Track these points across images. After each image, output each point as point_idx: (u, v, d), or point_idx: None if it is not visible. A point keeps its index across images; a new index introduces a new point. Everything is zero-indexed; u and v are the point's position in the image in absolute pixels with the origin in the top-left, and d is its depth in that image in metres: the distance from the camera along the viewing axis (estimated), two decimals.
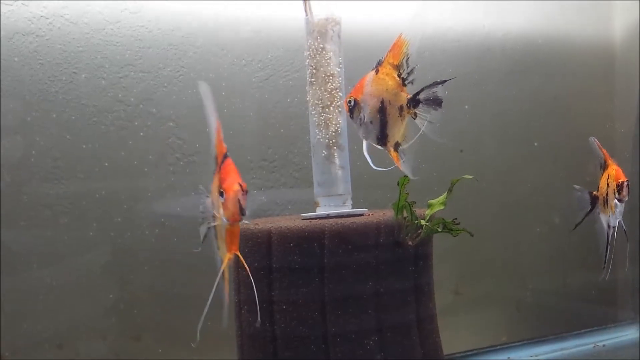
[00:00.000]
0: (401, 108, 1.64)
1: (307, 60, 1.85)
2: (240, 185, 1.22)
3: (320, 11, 1.85)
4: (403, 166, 1.65)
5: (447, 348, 1.87)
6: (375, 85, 1.63)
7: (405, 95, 1.63)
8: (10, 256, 1.92)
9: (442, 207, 1.71)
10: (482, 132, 2.64)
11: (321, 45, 1.82)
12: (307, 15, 1.85)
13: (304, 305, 1.61)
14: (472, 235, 1.69)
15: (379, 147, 1.67)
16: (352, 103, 1.64)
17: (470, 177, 1.73)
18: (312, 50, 1.83)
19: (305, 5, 1.85)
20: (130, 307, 2.06)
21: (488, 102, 2.65)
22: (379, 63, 1.64)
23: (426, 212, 1.71)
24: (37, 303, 1.96)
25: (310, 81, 1.84)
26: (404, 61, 1.64)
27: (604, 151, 1.97)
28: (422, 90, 1.64)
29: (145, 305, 2.08)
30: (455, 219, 1.69)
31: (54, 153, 1.98)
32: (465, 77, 2.59)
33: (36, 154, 1.96)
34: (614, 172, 1.92)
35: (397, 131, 1.66)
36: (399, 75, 1.63)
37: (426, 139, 1.62)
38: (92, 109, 2.02)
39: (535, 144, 2.72)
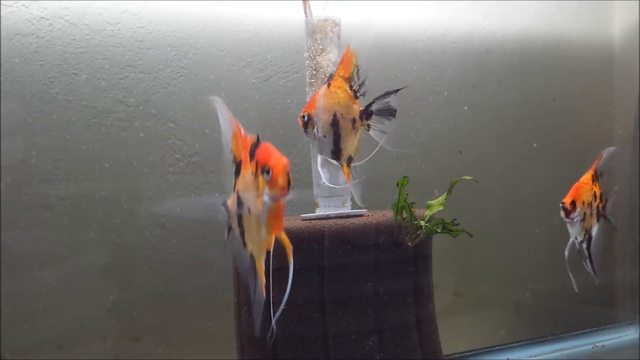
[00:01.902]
0: (354, 121, 1.64)
1: (307, 62, 1.86)
2: (286, 160, 1.24)
3: (319, 12, 1.85)
4: (352, 187, 1.65)
5: (447, 349, 1.87)
6: (327, 99, 1.63)
7: (358, 107, 1.64)
8: (10, 257, 1.92)
9: (442, 208, 1.72)
10: (481, 133, 2.64)
11: (321, 47, 1.82)
12: (306, 16, 1.85)
13: (303, 305, 1.61)
14: (471, 236, 1.70)
15: (333, 162, 1.67)
16: (306, 118, 1.64)
17: (469, 178, 1.73)
18: (312, 52, 1.83)
19: (305, 6, 1.86)
20: (130, 308, 2.06)
21: (487, 103, 2.65)
22: (331, 77, 1.64)
23: (425, 213, 1.71)
24: (37, 304, 1.96)
25: (310, 82, 1.85)
26: (355, 73, 1.64)
27: (597, 161, 1.98)
28: (374, 101, 1.64)
29: (145, 306, 2.08)
30: (455, 219, 1.69)
31: (54, 154, 1.98)
32: (465, 79, 2.60)
33: (36, 154, 1.96)
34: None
35: (351, 144, 1.66)
36: (350, 88, 1.64)
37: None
38: (93, 110, 2.02)
39: (535, 145, 2.72)
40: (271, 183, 1.23)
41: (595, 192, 1.93)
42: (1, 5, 1.91)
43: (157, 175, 2.09)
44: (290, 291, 1.30)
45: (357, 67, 1.62)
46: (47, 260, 1.97)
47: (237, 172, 1.35)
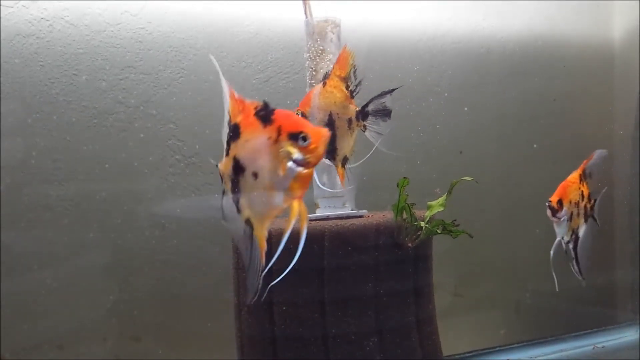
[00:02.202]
0: (350, 121, 1.63)
1: (307, 62, 1.86)
2: (324, 129, 1.25)
3: (320, 13, 1.85)
4: (346, 189, 1.63)
5: (447, 349, 1.87)
6: (323, 99, 1.61)
7: (354, 107, 1.62)
8: (10, 257, 1.92)
9: (442, 209, 1.72)
10: (481, 134, 2.64)
11: (321, 47, 1.82)
12: (307, 17, 1.85)
13: (303, 306, 1.61)
14: (471, 237, 1.70)
15: (327, 162, 1.66)
16: (300, 115, 1.62)
17: (470, 178, 1.73)
18: (312, 52, 1.83)
19: (305, 7, 1.86)
20: (130, 308, 2.06)
21: (488, 104, 2.65)
22: (326, 76, 1.63)
23: (426, 214, 1.71)
24: (38, 304, 1.96)
25: (310, 83, 1.85)
26: (352, 73, 1.63)
27: (586, 161, 1.96)
28: (370, 101, 1.63)
29: (146, 307, 2.08)
30: (455, 220, 1.69)
31: (55, 155, 1.98)
32: (465, 79, 2.60)
33: (36, 155, 1.96)
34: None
35: (346, 145, 1.65)
36: (346, 88, 1.62)
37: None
38: (93, 110, 2.02)
39: (535, 145, 2.72)
40: (309, 150, 1.23)
41: (582, 191, 1.92)
42: (1, 6, 1.91)
43: (157, 176, 2.09)
44: (295, 267, 1.29)
45: (353, 67, 1.61)
46: (47, 260, 1.97)
47: (234, 135, 1.30)
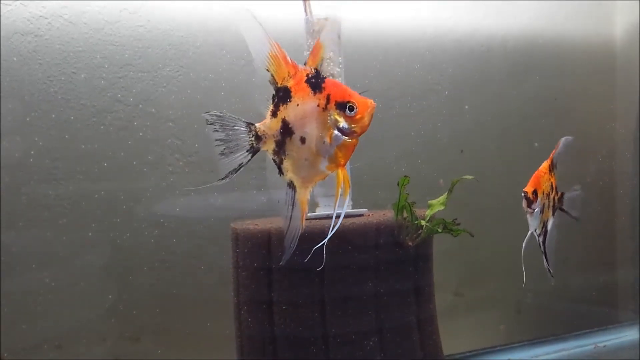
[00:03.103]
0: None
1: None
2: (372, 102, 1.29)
3: (320, 11, 1.84)
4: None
5: (448, 349, 1.87)
6: None
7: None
8: (9, 257, 1.91)
9: (443, 208, 1.71)
10: (482, 132, 2.64)
11: None
12: (307, 15, 1.84)
13: (303, 305, 1.61)
14: (472, 236, 1.69)
15: None
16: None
17: (470, 177, 1.72)
18: None
19: (305, 5, 1.85)
20: (129, 308, 2.06)
21: (488, 103, 2.64)
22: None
23: (426, 213, 1.71)
24: (36, 304, 1.95)
25: None
26: (319, 65, 1.63)
27: (554, 151, 1.92)
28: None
29: (145, 306, 2.07)
30: (456, 219, 1.69)
31: (53, 153, 1.97)
32: (466, 78, 2.59)
33: (35, 154, 1.95)
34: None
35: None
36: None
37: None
38: (91, 109, 2.02)
39: (536, 144, 2.72)
40: (354, 120, 1.27)
41: (552, 182, 1.88)
42: (0, 4, 1.90)
43: (156, 174, 2.08)
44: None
45: (322, 59, 1.60)
46: (46, 260, 1.96)
47: (283, 97, 1.32)
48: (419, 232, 1.66)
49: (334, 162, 1.31)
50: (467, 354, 2.49)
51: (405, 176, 1.64)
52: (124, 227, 2.04)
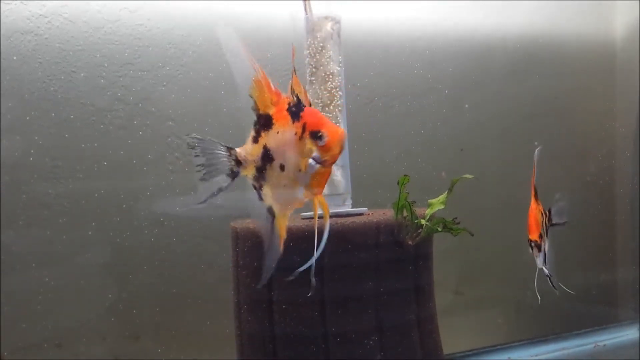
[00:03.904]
0: None
1: (307, 59, 1.85)
2: (343, 131, 1.30)
3: (320, 10, 1.84)
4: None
5: (447, 348, 1.87)
6: None
7: None
8: (9, 256, 1.91)
9: (442, 207, 1.71)
10: (482, 131, 2.64)
11: (321, 44, 1.81)
12: (306, 14, 1.84)
13: (303, 305, 1.61)
14: (472, 235, 1.69)
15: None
16: None
17: (470, 176, 1.72)
18: (312, 49, 1.82)
19: (305, 4, 1.85)
20: (129, 307, 2.06)
21: (488, 102, 2.64)
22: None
23: (426, 212, 1.70)
24: (36, 303, 1.95)
25: (310, 80, 1.84)
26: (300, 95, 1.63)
27: (533, 177, 1.92)
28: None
29: (145, 305, 2.07)
30: (456, 218, 1.68)
31: (53, 152, 1.97)
32: (466, 77, 2.59)
33: (35, 153, 1.95)
34: (528, 221, 1.85)
35: None
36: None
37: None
38: (91, 108, 2.02)
39: (536, 143, 2.71)
40: (324, 149, 1.28)
41: (541, 210, 1.90)
42: (0, 3, 1.90)
43: (156, 173, 2.08)
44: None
45: (304, 90, 1.58)
46: (46, 259, 1.96)
47: (265, 125, 1.35)
48: (419, 231, 1.66)
49: (309, 190, 1.32)
50: (467, 352, 2.50)
51: (405, 175, 1.64)
52: (124, 226, 2.04)
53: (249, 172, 1.37)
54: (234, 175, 1.38)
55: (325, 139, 1.27)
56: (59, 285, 1.97)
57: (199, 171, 1.39)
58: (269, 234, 1.35)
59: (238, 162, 1.38)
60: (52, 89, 1.97)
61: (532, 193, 1.90)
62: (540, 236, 1.81)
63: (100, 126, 2.03)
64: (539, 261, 1.84)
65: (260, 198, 1.36)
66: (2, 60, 1.91)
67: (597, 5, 2.89)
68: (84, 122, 2.01)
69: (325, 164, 1.30)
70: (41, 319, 1.96)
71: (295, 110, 1.31)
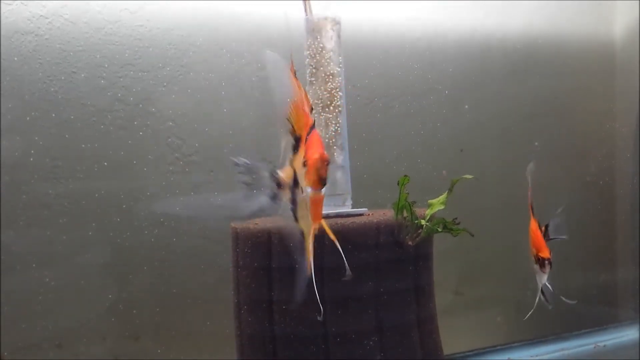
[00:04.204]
0: None
1: (307, 60, 1.85)
2: (321, 156, 1.27)
3: (320, 10, 1.84)
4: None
5: (448, 348, 1.87)
6: None
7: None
8: (9, 256, 1.91)
9: (442, 207, 1.71)
10: (482, 132, 2.64)
11: (321, 45, 1.81)
12: (306, 14, 1.84)
13: (303, 305, 1.61)
14: (472, 235, 1.69)
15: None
16: None
17: (470, 176, 1.72)
18: (312, 50, 1.82)
19: (305, 4, 1.85)
20: (129, 307, 2.06)
21: (488, 102, 2.65)
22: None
23: (426, 212, 1.70)
24: (36, 303, 1.95)
25: (310, 81, 1.84)
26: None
27: (530, 194, 1.92)
28: None
29: (145, 306, 2.07)
30: (456, 218, 1.68)
31: (53, 153, 1.97)
32: (466, 77, 2.59)
33: (35, 153, 1.95)
34: (534, 240, 1.86)
35: None
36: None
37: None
38: (92, 108, 2.02)
39: (536, 143, 2.72)
40: (307, 175, 1.28)
41: (541, 229, 1.91)
42: (1, 3, 1.90)
43: (156, 174, 2.08)
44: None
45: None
46: (46, 259, 1.96)
47: (295, 148, 1.36)
48: (419, 231, 1.66)
49: (311, 215, 1.33)
50: (467, 353, 2.50)
51: (405, 175, 1.64)
52: (124, 226, 2.04)
53: (286, 195, 1.40)
54: (275, 197, 1.40)
55: (307, 164, 1.28)
56: (59, 285, 1.97)
57: (242, 189, 1.42)
58: (299, 255, 1.37)
59: (279, 185, 1.40)
60: (52, 89, 1.97)
61: (530, 212, 1.90)
62: (549, 253, 1.82)
63: (101, 126, 2.03)
64: (544, 278, 1.86)
65: (295, 219, 1.38)
66: (2, 60, 1.91)
67: (597, 5, 2.89)
68: (84, 123, 2.01)
69: (313, 190, 1.28)
70: (41, 319, 1.96)
71: (308, 135, 1.33)
